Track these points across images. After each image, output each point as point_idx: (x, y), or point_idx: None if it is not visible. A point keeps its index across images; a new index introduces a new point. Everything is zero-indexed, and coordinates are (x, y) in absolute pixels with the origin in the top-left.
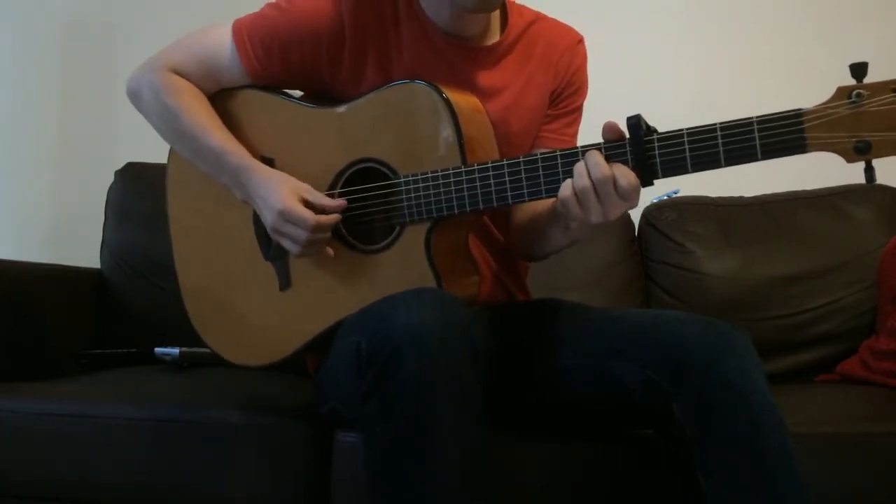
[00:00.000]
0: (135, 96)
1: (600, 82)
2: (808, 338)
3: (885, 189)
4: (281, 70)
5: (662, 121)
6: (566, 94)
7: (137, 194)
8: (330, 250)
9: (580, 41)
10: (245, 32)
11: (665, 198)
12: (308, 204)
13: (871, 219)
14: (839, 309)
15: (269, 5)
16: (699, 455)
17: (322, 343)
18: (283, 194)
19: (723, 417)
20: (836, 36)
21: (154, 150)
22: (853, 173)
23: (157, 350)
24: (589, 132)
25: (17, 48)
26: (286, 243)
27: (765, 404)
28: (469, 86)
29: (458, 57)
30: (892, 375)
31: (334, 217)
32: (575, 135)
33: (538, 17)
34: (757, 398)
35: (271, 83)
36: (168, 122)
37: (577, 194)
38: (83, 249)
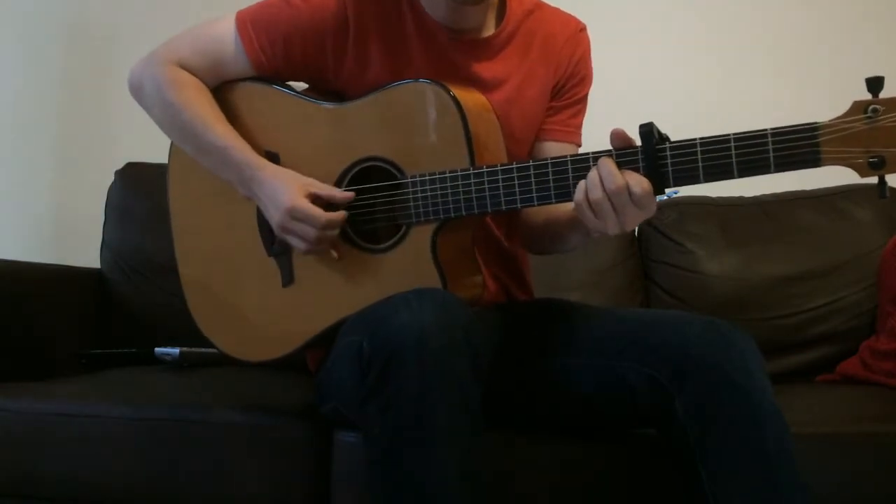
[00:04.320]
0: (137, 90)
1: (604, 85)
2: (808, 338)
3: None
4: (285, 61)
5: (667, 126)
6: (570, 86)
7: (137, 194)
8: (334, 252)
9: (582, 29)
10: (249, 23)
11: (665, 198)
12: (316, 198)
13: (871, 219)
14: (839, 309)
15: None
16: (701, 454)
17: (324, 341)
18: (292, 192)
19: (724, 417)
20: (843, 42)
21: (154, 149)
22: (854, 174)
23: (158, 350)
24: (591, 132)
25: (18, 48)
26: (294, 241)
27: (766, 404)
28: (470, 79)
29: (458, 50)
30: (892, 375)
31: (342, 214)
32: (580, 126)
33: (538, 6)
34: (759, 398)
35: (276, 75)
36: (171, 117)
37: (592, 206)
38: (83, 249)
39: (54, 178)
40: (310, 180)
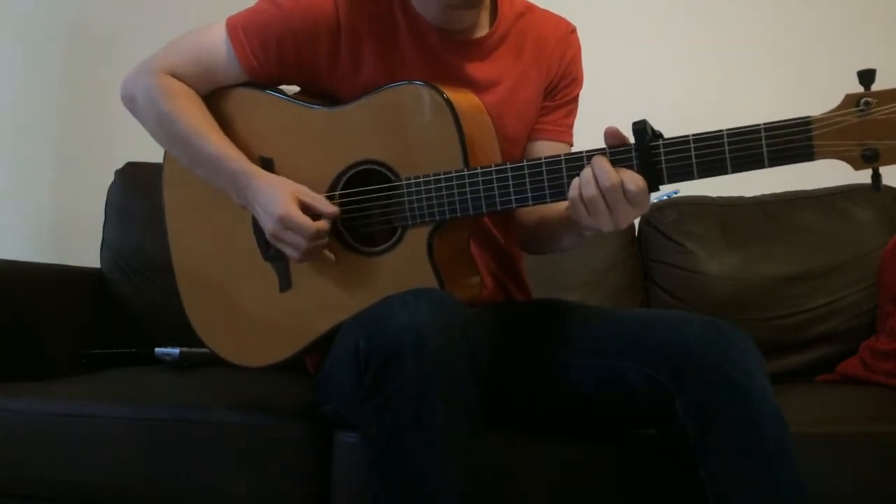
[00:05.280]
0: (129, 101)
1: (599, 85)
2: (808, 338)
3: (885, 189)
4: (278, 64)
5: (664, 125)
6: (562, 86)
7: (137, 194)
8: (331, 255)
9: (573, 31)
10: (241, 28)
11: (665, 198)
12: (305, 206)
13: (871, 219)
14: (839, 309)
15: (263, 1)
16: (700, 454)
17: (322, 345)
18: (283, 200)
19: (724, 417)
20: (841, 39)
21: (154, 149)
22: (853, 173)
23: (157, 350)
24: (586, 133)
25: (18, 48)
26: (286, 250)
27: (766, 404)
28: (463, 80)
29: (450, 51)
30: (892, 375)
31: (326, 223)
32: (572, 125)
33: (529, 8)
34: (758, 398)
35: (269, 79)
36: (164, 127)
37: (586, 203)
38: (83, 249)
39: (54, 178)
40: (301, 188)
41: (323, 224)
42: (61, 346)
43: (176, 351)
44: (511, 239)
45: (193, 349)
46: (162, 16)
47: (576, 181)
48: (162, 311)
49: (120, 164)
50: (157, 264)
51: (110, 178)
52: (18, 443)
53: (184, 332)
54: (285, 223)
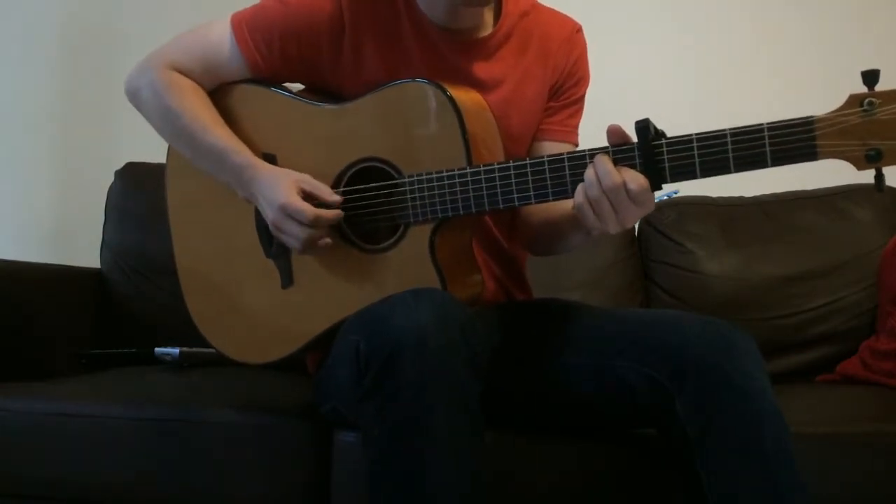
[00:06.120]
0: (134, 96)
1: (599, 82)
2: (808, 338)
3: (886, 189)
4: (281, 62)
5: (662, 123)
6: (567, 86)
7: (137, 194)
8: (328, 240)
9: (579, 30)
10: (245, 25)
11: (665, 198)
12: (307, 195)
13: (871, 219)
14: (839, 309)
15: None
16: (700, 454)
17: (324, 342)
18: (284, 189)
19: (724, 417)
20: (837, 36)
21: (154, 150)
22: (854, 173)
23: (157, 350)
24: (587, 132)
25: (18, 48)
26: (287, 239)
27: (766, 404)
28: (467, 79)
29: (454, 51)
30: (892, 375)
31: (335, 213)
32: (577, 126)
33: (533, 7)
34: (758, 397)
35: (272, 76)
36: (169, 122)
37: (592, 204)
38: (83, 249)
39: (54, 178)
40: (304, 176)
41: (323, 212)
42: (61, 346)
43: (176, 351)
44: (514, 242)
45: (193, 349)
46: (162, 15)
47: (580, 186)
48: (162, 311)
49: (120, 164)
50: (157, 264)
51: (110, 178)
52: (18, 443)
53: (184, 332)
54: (285, 211)
